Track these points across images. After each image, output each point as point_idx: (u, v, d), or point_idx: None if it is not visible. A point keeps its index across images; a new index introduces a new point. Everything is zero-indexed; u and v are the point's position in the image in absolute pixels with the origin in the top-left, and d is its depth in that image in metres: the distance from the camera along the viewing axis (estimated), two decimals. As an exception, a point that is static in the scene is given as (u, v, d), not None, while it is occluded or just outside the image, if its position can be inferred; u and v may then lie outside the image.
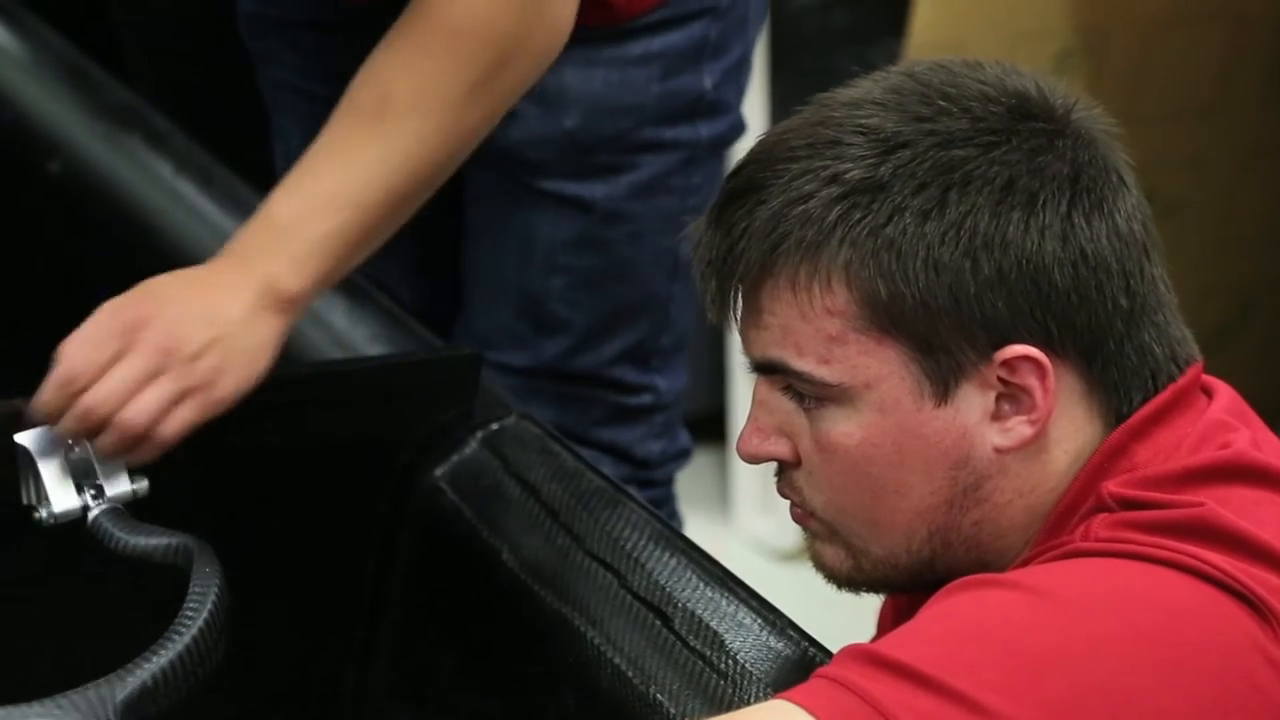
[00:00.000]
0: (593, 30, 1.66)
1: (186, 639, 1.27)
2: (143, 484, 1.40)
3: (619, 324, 1.76)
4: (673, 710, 1.31)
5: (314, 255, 1.42)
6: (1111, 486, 1.20)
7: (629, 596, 1.37)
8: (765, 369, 1.24)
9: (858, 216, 1.21)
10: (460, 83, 1.45)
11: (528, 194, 1.72)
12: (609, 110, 1.69)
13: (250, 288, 1.40)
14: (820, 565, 1.26)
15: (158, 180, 1.85)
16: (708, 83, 1.71)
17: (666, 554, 1.39)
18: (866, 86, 1.25)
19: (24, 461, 1.40)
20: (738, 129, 1.77)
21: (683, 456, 1.86)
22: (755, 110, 2.50)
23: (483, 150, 1.72)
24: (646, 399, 1.79)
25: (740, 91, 1.77)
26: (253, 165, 1.82)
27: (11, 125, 1.95)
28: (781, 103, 2.56)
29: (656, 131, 1.70)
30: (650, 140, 1.70)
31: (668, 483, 1.85)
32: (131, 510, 1.41)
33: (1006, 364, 1.20)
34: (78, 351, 1.37)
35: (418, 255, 1.84)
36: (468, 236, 1.79)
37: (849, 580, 1.25)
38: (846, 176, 1.21)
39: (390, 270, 1.81)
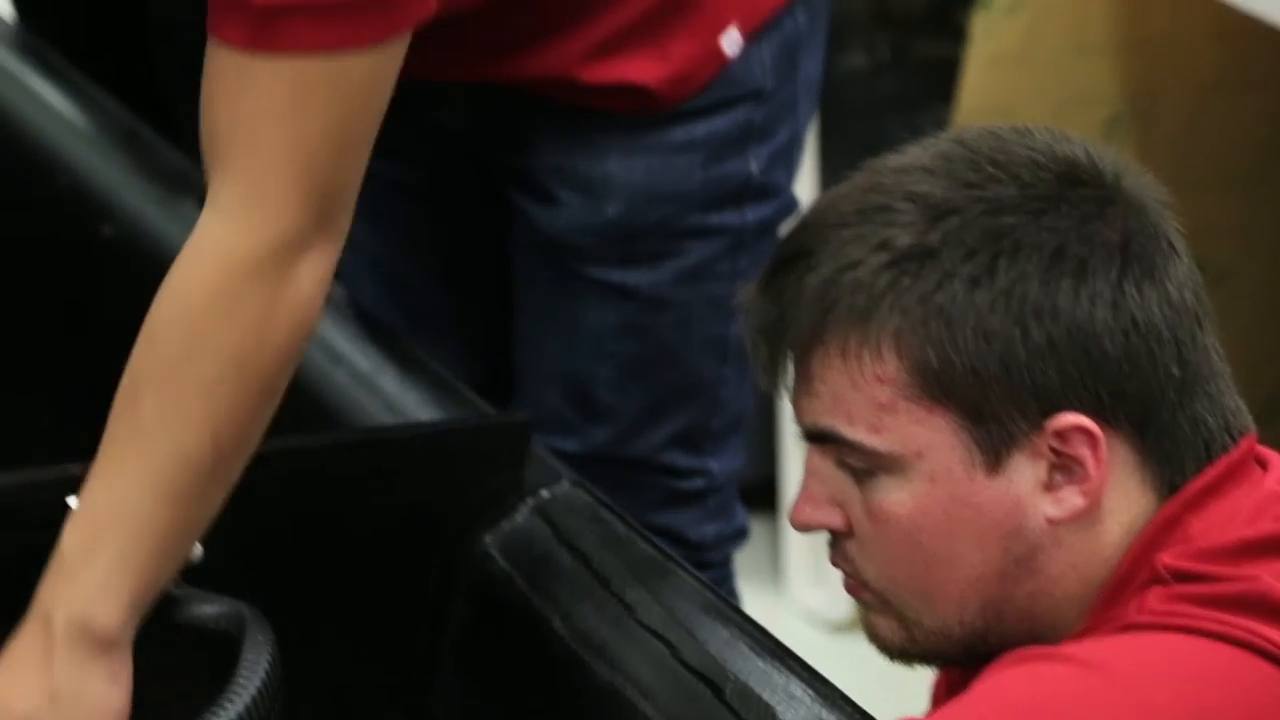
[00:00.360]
0: (634, 118, 1.65)
1: (239, 707, 1.27)
2: (196, 550, 1.41)
3: (668, 410, 1.73)
4: (724, 781, 1.30)
5: (114, 581, 1.34)
6: (1166, 559, 1.19)
7: (680, 667, 1.37)
8: (817, 437, 1.24)
9: (907, 283, 1.21)
10: (208, 366, 1.35)
11: (573, 281, 1.70)
12: (652, 198, 1.67)
13: (61, 649, 1.33)
14: (874, 637, 1.25)
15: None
16: (754, 167, 1.69)
17: (718, 624, 1.39)
18: (915, 153, 1.25)
19: None
20: (787, 210, 1.74)
21: (739, 537, 1.83)
22: (805, 176, 2.50)
23: (529, 237, 1.71)
24: (699, 483, 1.77)
25: (790, 173, 1.75)
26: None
27: (66, 190, 1.97)
28: (831, 169, 2.57)
29: (702, 217, 1.68)
30: (695, 226, 1.69)
31: (724, 564, 1.83)
32: (184, 576, 1.41)
33: (1058, 434, 1.20)
34: None
35: (473, 337, 1.83)
36: (518, 321, 1.78)
37: (902, 652, 1.25)
38: (896, 243, 1.21)
39: (446, 351, 1.80)
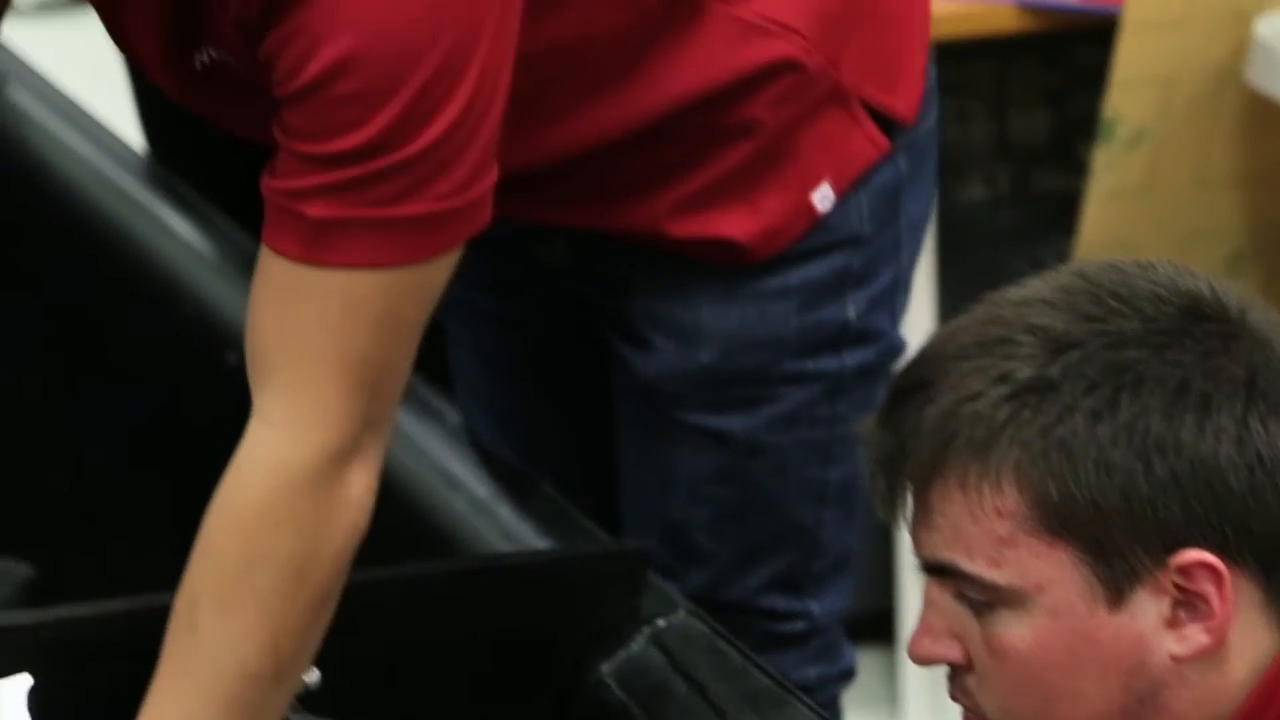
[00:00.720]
0: (727, 266, 1.63)
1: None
2: (314, 675, 1.41)
3: (765, 554, 1.70)
4: None
5: None
6: None
7: (797, 799, 1.36)
8: (936, 570, 1.23)
9: (1027, 416, 1.20)
10: (264, 578, 1.35)
11: (669, 426, 1.68)
12: (746, 344, 1.64)
13: None
14: (994, 774, 1.24)
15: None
16: (851, 313, 1.66)
17: (835, 757, 1.38)
18: (1036, 286, 1.25)
19: None
20: (890, 354, 1.70)
21: (844, 679, 1.78)
22: (923, 309, 2.50)
23: (626, 380, 1.69)
24: (800, 625, 1.73)
25: (893, 317, 1.71)
26: (427, 359, 1.84)
27: (192, 317, 1.99)
28: (949, 300, 2.56)
29: (797, 363, 1.65)
30: (791, 372, 1.66)
31: (830, 705, 1.77)
32: (301, 702, 1.42)
33: (1182, 570, 1.19)
34: None
35: (581, 471, 1.82)
36: (619, 463, 1.76)
37: (1022, 789, 1.23)
38: (1016, 376, 1.21)
39: (556, 484, 1.80)
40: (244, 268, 2.01)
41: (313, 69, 1.33)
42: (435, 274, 1.39)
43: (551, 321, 1.76)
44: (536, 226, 1.67)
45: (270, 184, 1.38)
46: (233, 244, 2.03)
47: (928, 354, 1.25)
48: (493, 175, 1.40)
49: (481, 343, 1.79)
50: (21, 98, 2.11)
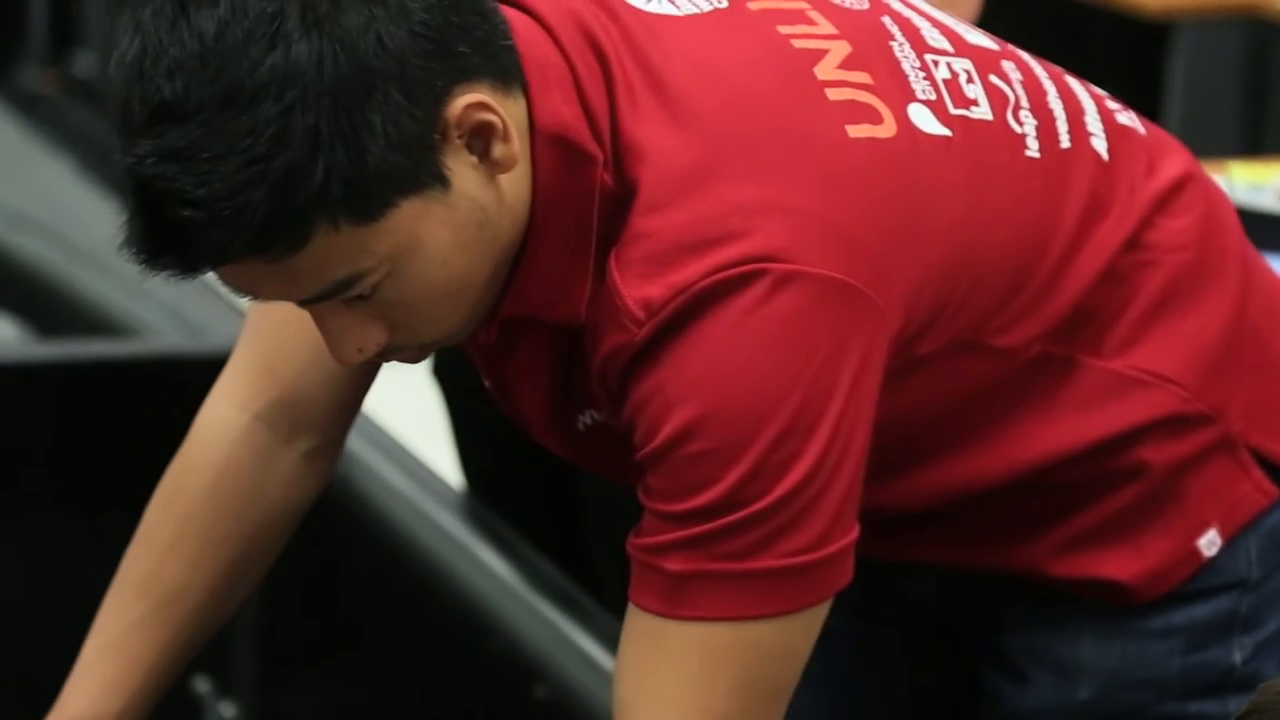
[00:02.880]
0: (1110, 605, 1.61)
1: None
2: None
3: None
4: None
5: None
6: None
7: None
8: None
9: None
10: None
11: None
12: (1127, 683, 1.61)
13: None
14: None
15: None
16: (1237, 657, 1.62)
17: None
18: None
19: None
20: None
21: None
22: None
23: (996, 712, 1.65)
24: None
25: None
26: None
27: (502, 652, 2.01)
28: None
29: (1179, 706, 1.61)
30: (1172, 714, 1.62)
31: None
32: None
33: None
34: None
35: None
36: None
37: None
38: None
39: None
40: (555, 603, 2.03)
41: (666, 431, 1.38)
42: (794, 633, 1.41)
43: (913, 652, 1.73)
44: (906, 561, 1.66)
45: (634, 542, 1.42)
46: (545, 580, 2.05)
47: (1267, 705, 1.20)
48: (851, 535, 1.41)
49: (832, 667, 1.76)
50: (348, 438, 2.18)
